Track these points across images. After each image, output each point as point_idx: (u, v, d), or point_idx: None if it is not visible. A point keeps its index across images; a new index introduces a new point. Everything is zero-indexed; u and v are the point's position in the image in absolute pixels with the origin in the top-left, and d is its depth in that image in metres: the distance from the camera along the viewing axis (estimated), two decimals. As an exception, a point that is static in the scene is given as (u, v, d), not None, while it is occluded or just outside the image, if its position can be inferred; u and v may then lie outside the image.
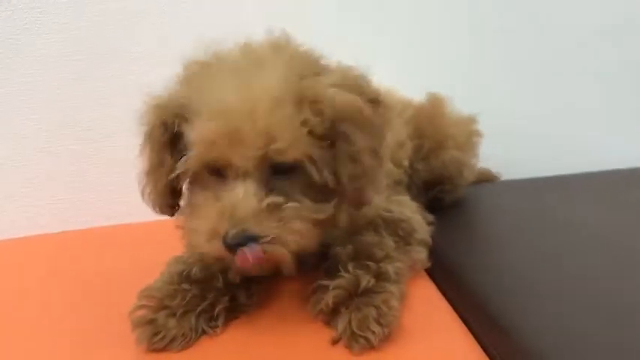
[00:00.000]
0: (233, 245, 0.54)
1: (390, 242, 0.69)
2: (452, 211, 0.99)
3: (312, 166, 0.58)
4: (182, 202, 0.66)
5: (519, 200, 1.07)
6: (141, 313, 0.61)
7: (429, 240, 0.77)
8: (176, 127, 0.61)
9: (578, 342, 0.58)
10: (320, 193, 0.60)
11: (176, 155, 0.61)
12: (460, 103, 1.03)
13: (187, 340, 0.60)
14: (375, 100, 0.63)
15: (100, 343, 0.62)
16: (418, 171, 0.95)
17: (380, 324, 0.59)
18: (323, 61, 0.64)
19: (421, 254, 0.75)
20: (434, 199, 0.99)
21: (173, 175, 0.60)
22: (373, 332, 0.58)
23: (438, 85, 1.03)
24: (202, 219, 0.57)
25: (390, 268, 0.65)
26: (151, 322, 0.60)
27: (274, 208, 0.56)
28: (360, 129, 0.59)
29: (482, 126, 1.06)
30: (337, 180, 0.60)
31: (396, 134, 0.89)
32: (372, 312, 0.59)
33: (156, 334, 0.59)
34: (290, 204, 0.57)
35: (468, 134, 1.01)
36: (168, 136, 0.62)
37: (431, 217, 0.83)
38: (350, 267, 0.64)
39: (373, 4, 1.19)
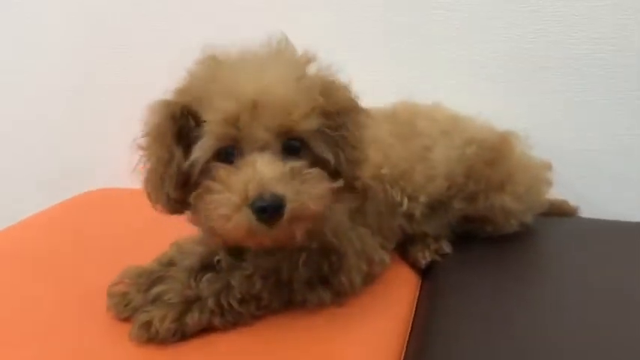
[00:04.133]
0: (264, 208, 0.57)
1: (284, 267, 0.70)
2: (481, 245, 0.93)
3: (318, 144, 0.64)
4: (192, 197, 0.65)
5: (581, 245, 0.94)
6: (117, 287, 0.73)
7: (349, 282, 0.73)
8: (184, 120, 0.64)
9: None
10: None
11: (184, 150, 0.64)
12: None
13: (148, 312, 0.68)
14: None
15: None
16: (454, 209, 0.91)
17: None
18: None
19: (319, 297, 0.72)
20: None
21: (187, 163, 0.63)
22: None
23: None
24: (226, 192, 0.59)
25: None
26: (124, 294, 0.71)
27: (297, 173, 0.61)
28: (355, 123, 0.67)
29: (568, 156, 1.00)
30: (337, 163, 0.66)
31: (429, 167, 0.87)
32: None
33: (125, 305, 0.70)
34: (311, 169, 0.62)
35: (531, 183, 0.93)
36: (176, 130, 0.64)
37: (387, 259, 0.81)
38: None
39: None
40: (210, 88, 0.63)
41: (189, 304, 0.66)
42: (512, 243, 0.93)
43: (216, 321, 0.67)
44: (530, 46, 1.11)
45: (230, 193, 0.59)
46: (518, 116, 1.03)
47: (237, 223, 0.59)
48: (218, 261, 0.72)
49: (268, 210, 0.58)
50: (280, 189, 0.58)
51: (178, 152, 0.64)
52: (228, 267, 0.71)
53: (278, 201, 0.58)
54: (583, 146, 1.13)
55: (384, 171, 0.83)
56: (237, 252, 0.72)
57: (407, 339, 0.73)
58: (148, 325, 0.64)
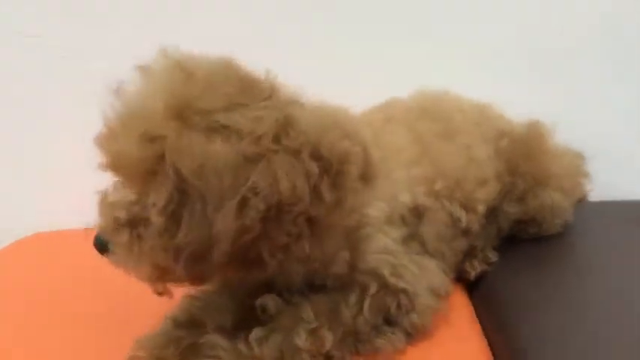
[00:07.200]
0: (96, 246, 0.54)
1: (345, 313, 0.58)
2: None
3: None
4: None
5: (603, 228, 0.90)
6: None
7: (422, 323, 0.62)
8: None
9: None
10: None
11: None
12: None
13: None
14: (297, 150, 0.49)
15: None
16: (507, 213, 0.81)
17: None
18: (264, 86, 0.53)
19: (393, 342, 0.60)
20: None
21: None
22: None
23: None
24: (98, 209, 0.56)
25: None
26: None
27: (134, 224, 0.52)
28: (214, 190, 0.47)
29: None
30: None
31: (478, 169, 0.76)
32: None
33: None
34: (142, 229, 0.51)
35: (573, 175, 0.86)
36: None
37: (450, 290, 0.70)
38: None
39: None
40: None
41: None
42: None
43: None
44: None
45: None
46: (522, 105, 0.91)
47: None
48: (263, 307, 0.57)
49: (96, 248, 0.55)
50: (108, 236, 0.53)
51: None
52: (279, 313, 0.57)
53: (102, 246, 0.54)
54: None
55: (438, 186, 0.71)
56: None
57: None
58: None
